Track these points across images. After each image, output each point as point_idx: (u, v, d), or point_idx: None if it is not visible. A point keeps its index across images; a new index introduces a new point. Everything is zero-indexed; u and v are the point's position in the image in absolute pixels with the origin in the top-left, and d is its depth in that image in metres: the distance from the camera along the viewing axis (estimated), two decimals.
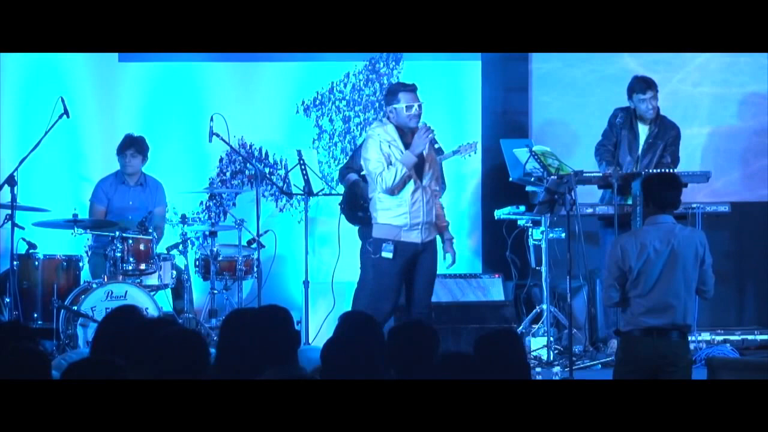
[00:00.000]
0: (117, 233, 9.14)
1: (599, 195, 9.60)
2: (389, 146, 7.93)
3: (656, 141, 9.37)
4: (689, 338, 6.84)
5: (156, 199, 9.82)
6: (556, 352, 9.13)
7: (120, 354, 5.02)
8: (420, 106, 8.01)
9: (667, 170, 9.15)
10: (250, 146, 10.47)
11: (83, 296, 8.89)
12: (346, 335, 5.51)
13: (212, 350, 5.34)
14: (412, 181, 7.97)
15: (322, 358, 5.01)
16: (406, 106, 7.95)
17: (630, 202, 9.09)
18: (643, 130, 9.40)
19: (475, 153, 8.64)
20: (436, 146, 8.05)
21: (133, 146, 9.64)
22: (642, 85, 9.35)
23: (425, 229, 8.01)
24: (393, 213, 7.96)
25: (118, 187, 9.75)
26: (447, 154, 8.65)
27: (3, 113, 10.34)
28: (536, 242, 9.41)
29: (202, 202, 10.46)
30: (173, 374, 4.67)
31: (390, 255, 7.93)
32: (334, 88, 10.56)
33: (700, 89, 10.51)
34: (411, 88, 8.05)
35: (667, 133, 9.39)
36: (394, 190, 7.95)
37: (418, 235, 7.98)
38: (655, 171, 9.05)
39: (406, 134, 8.01)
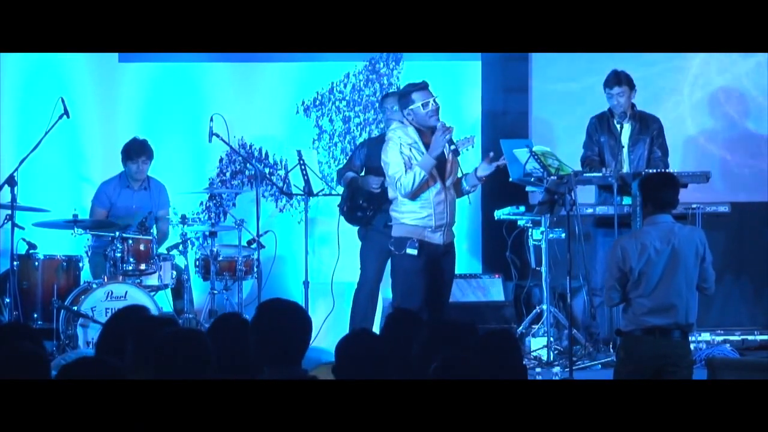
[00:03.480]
0: (117, 233, 9.15)
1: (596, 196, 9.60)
2: (410, 149, 7.78)
3: (640, 137, 9.38)
4: (689, 338, 6.84)
5: (160, 201, 9.81)
6: (556, 352, 9.13)
7: (125, 354, 5.01)
8: (436, 101, 7.87)
9: (663, 168, 9.19)
10: (250, 146, 10.47)
11: (83, 296, 8.89)
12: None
13: None
14: (436, 182, 7.83)
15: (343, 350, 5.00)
16: (422, 104, 7.84)
17: (628, 202, 9.10)
18: (624, 130, 9.41)
19: (473, 147, 8.58)
20: (452, 147, 7.90)
21: (144, 153, 9.62)
22: (611, 79, 9.38)
23: (447, 231, 7.89)
24: (418, 215, 7.81)
25: (122, 190, 9.73)
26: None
27: (3, 113, 10.35)
28: (536, 242, 9.41)
29: (202, 203, 10.47)
30: (175, 374, 4.66)
31: (414, 252, 7.78)
32: (334, 89, 10.56)
33: (699, 89, 10.52)
34: (422, 86, 7.92)
35: (650, 128, 9.41)
36: (413, 195, 7.80)
37: (441, 237, 7.84)
38: (652, 171, 9.05)
39: (426, 135, 7.85)
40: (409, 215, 7.86)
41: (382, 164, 7.97)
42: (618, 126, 9.42)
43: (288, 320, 5.04)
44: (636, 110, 9.44)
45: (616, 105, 9.36)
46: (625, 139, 9.41)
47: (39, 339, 5.52)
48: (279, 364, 4.85)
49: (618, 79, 9.35)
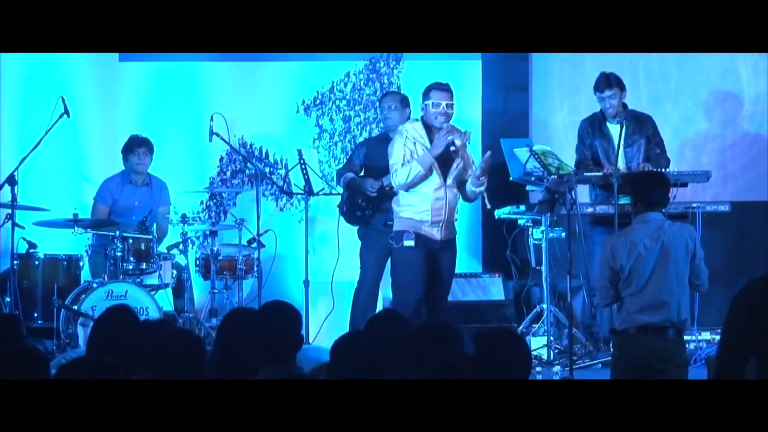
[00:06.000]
0: (117, 232, 9.15)
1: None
2: (414, 143, 8.09)
3: (634, 136, 9.34)
4: (687, 335, 6.83)
5: (161, 198, 9.82)
6: (556, 351, 9.13)
7: (114, 354, 5.01)
8: (449, 106, 8.15)
9: (665, 163, 9.19)
10: (251, 145, 10.47)
11: (84, 296, 8.89)
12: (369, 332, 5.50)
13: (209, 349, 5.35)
14: (437, 178, 8.08)
15: (333, 353, 5.03)
16: (432, 103, 8.12)
17: (624, 201, 9.09)
18: (615, 130, 9.35)
19: (470, 143, 8.60)
20: (453, 149, 8.08)
21: (144, 145, 9.66)
22: (601, 83, 9.34)
23: (445, 227, 8.14)
24: (416, 209, 8.11)
25: (124, 187, 9.74)
26: None
27: (3, 113, 10.35)
28: (536, 242, 9.41)
29: (202, 202, 10.47)
30: (169, 374, 4.67)
31: (412, 243, 8.07)
32: (335, 88, 10.56)
33: (699, 89, 10.51)
34: (443, 87, 8.23)
35: (644, 126, 9.38)
36: (407, 187, 8.07)
37: (438, 231, 8.11)
38: (643, 170, 9.04)
39: (433, 132, 8.12)
40: (408, 209, 8.14)
41: (388, 155, 8.15)
42: (610, 126, 9.39)
43: (281, 319, 5.10)
44: (629, 110, 9.42)
45: (608, 107, 9.34)
46: (617, 139, 9.38)
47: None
48: (274, 364, 4.88)
49: (608, 82, 9.32)
